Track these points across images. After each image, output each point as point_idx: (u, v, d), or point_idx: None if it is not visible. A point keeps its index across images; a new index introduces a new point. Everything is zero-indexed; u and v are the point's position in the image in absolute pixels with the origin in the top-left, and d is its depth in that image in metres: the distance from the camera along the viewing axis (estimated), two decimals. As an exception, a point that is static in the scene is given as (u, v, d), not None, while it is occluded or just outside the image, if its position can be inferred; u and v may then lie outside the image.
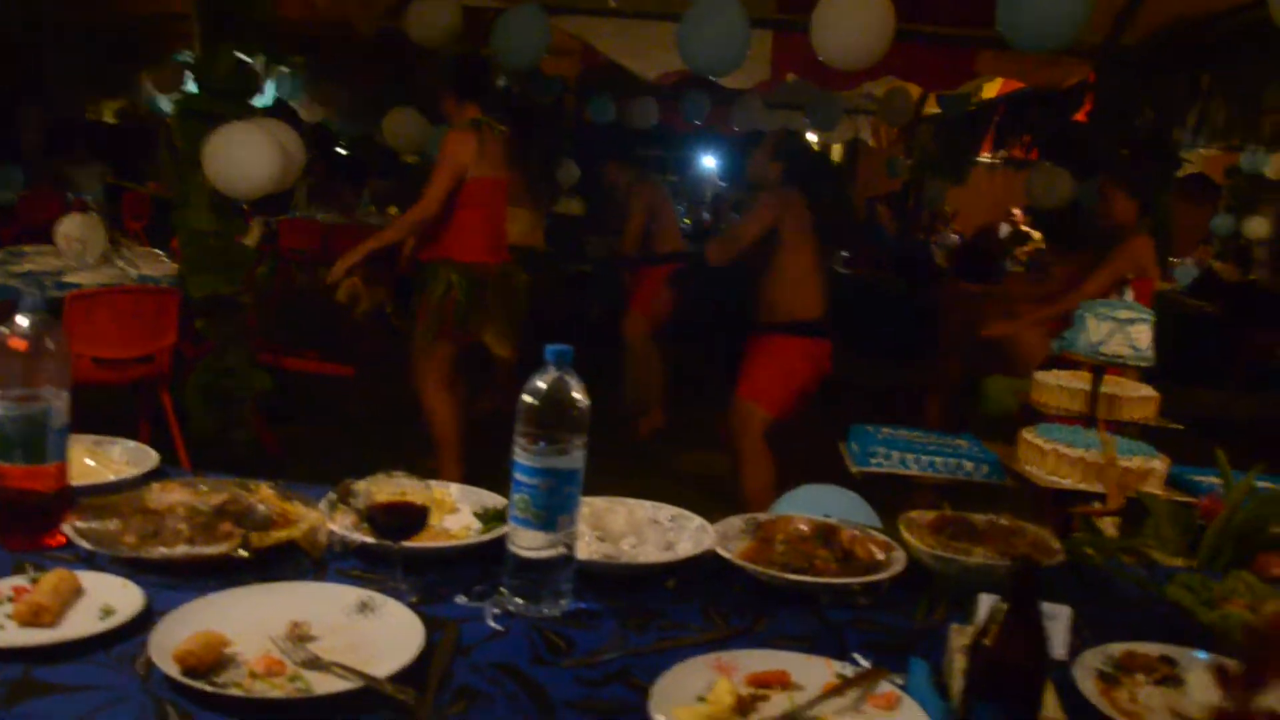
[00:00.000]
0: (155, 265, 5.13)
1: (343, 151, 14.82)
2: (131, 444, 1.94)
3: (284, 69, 8.93)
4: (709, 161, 13.29)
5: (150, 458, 1.89)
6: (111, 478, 1.79)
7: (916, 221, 9.54)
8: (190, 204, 4.32)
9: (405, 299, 5.36)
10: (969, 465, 2.71)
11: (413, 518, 1.49)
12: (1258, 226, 10.98)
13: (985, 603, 1.35)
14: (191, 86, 7.25)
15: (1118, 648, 1.39)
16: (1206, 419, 6.53)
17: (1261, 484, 2.82)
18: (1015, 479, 2.65)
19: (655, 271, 6.23)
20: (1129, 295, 2.67)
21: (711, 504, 1.97)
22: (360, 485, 1.68)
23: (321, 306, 7.69)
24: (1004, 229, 10.69)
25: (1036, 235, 9.63)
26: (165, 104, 8.65)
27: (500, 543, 1.53)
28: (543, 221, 6.40)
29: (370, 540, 1.55)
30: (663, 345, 6.21)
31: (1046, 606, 1.26)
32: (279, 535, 1.55)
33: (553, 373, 1.41)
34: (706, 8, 4.48)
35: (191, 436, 4.32)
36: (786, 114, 9.03)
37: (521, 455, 1.41)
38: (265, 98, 8.53)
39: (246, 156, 4.01)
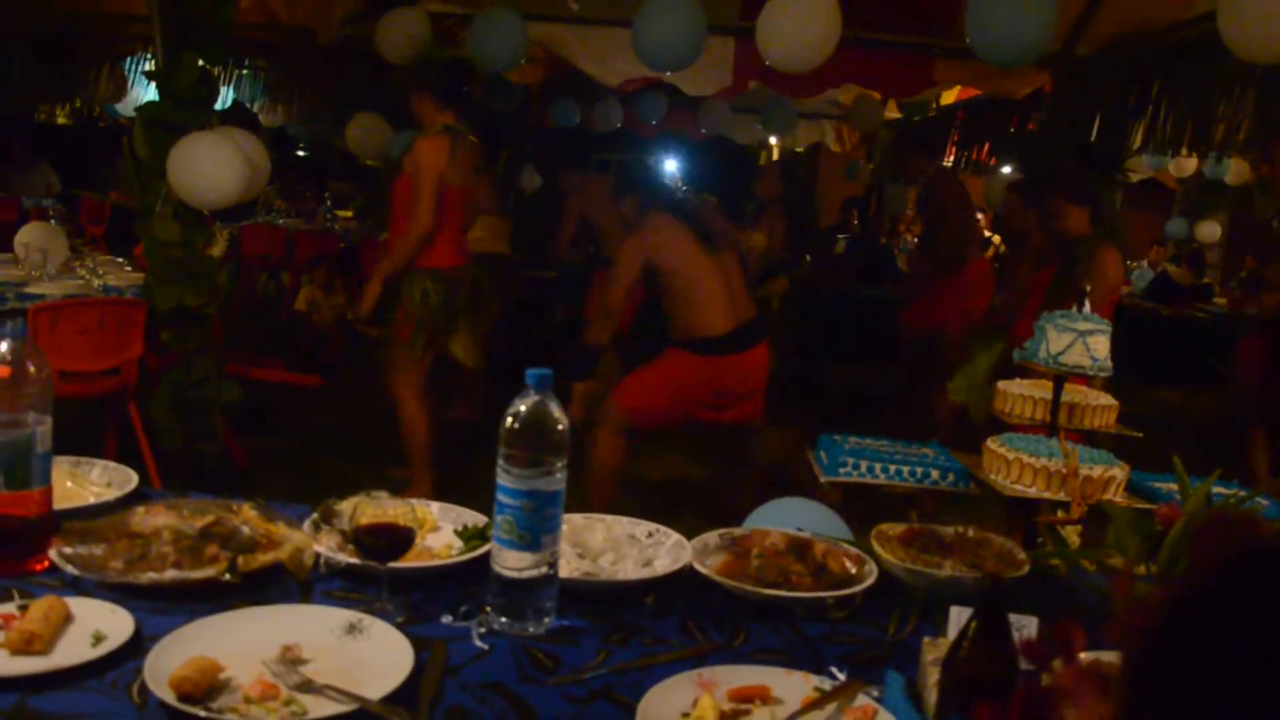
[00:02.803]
0: (118, 274, 5.10)
1: (302, 154, 14.76)
2: (111, 465, 1.95)
3: (243, 70, 8.88)
4: (670, 165, 13.35)
5: (130, 479, 1.90)
6: (92, 500, 1.80)
7: (878, 226, 9.67)
8: (155, 214, 4.29)
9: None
10: (935, 474, 2.77)
11: (399, 539, 1.51)
12: (1209, 231, 11.23)
13: (956, 615, 1.40)
14: (148, 93, 7.21)
15: (1082, 658, 1.44)
16: (1166, 419, 6.66)
17: (1217, 490, 2.91)
18: (981, 487, 2.71)
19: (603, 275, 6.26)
20: (1088, 306, 2.75)
21: (679, 510, 2.01)
22: (343, 506, 1.71)
23: (285, 314, 7.68)
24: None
25: (997, 240, 9.77)
26: (120, 106, 8.57)
27: (483, 560, 1.56)
28: (508, 228, 6.42)
29: (356, 561, 1.57)
30: (622, 351, 6.23)
31: (1014, 618, 1.31)
32: (265, 558, 1.57)
33: (533, 396, 1.44)
34: (661, 3, 4.52)
35: (159, 449, 4.29)
36: (747, 118, 9.11)
37: (504, 478, 1.45)
38: (223, 100, 8.49)
39: (212, 168, 3.99)
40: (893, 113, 9.20)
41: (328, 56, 7.49)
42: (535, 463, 1.43)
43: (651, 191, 4.23)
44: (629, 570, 1.66)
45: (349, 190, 10.90)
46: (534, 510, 1.44)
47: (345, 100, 7.72)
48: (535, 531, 1.44)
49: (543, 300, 7.32)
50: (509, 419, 1.44)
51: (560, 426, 1.44)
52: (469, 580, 1.62)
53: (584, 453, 4.10)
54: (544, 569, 1.46)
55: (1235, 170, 9.51)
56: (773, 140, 11.45)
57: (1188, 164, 9.53)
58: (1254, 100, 4.61)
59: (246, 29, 6.16)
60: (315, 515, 1.73)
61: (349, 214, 10.32)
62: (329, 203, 10.24)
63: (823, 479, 2.78)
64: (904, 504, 3.42)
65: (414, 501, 1.84)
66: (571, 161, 10.67)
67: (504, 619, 1.47)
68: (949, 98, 8.15)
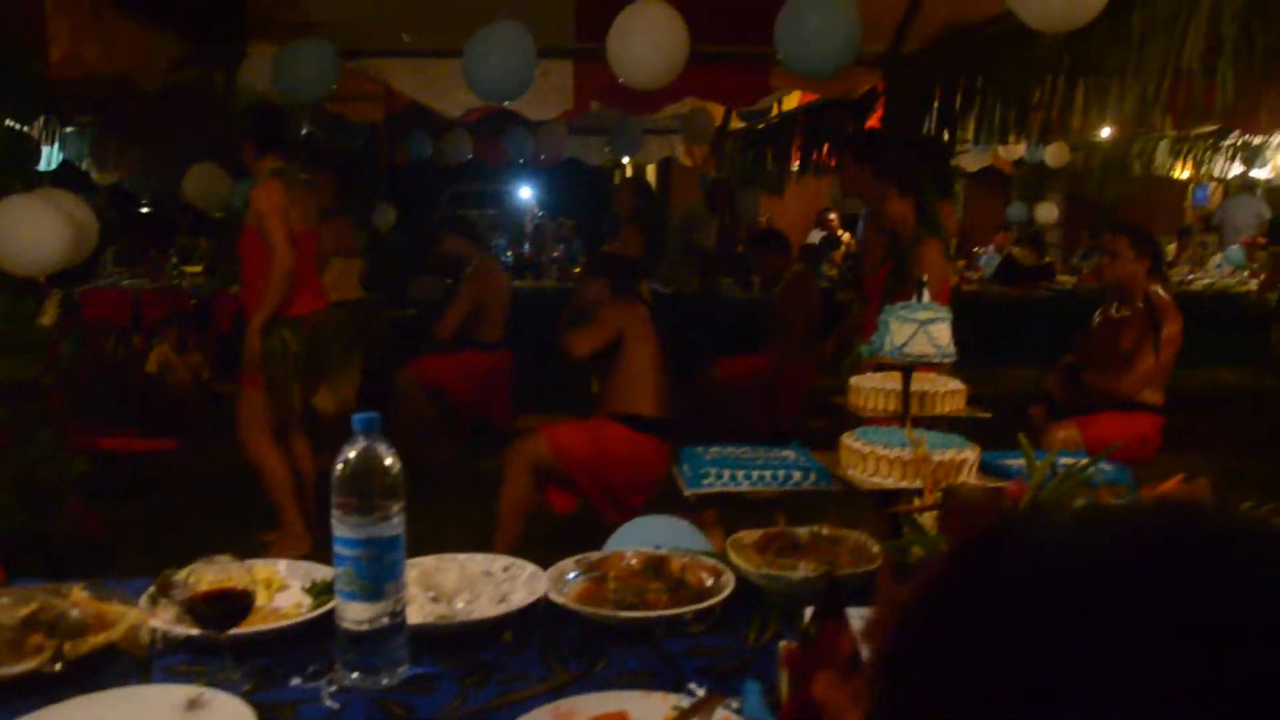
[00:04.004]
0: (-57, 354, 4.80)
1: (145, 209, 14.20)
2: (-76, 560, 1.82)
3: (68, 129, 8.52)
4: (525, 193, 13.32)
5: (-54, 573, 1.77)
6: (-96, 600, 1.68)
7: (733, 235, 9.81)
8: (-25, 286, 4.07)
9: (227, 363, 5.18)
10: (798, 475, 2.80)
11: (236, 604, 1.45)
12: (1046, 212, 11.75)
13: (810, 616, 1.40)
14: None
15: None
16: (1022, 397, 6.89)
17: (1064, 460, 3.00)
18: (842, 484, 2.75)
19: (470, 355, 6.18)
20: (926, 295, 2.82)
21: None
22: (181, 575, 1.63)
23: (137, 378, 7.37)
24: (817, 235, 11.10)
25: (846, 237, 10.02)
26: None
27: (332, 615, 1.51)
28: (360, 269, 6.28)
29: (195, 632, 1.50)
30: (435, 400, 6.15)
31: (861, 611, 1.32)
32: (96, 640, 1.48)
33: (362, 442, 1.40)
34: (490, 34, 4.52)
35: (5, 533, 4.05)
36: (593, 140, 9.17)
37: (340, 528, 1.40)
38: (49, 160, 8.12)
39: (31, 233, 3.79)
40: (739, 122, 9.36)
41: (159, 107, 7.24)
42: (370, 509, 1.39)
43: (625, 280, 4.51)
44: (484, 608, 1.62)
45: (194, 244, 10.52)
46: (373, 558, 1.39)
47: (184, 151, 7.48)
48: (377, 580, 1.40)
49: (407, 343, 7.18)
50: (339, 466, 1.40)
51: (392, 470, 1.40)
52: (321, 638, 1.55)
53: (496, 494, 4.22)
54: (389, 618, 1.42)
55: (1054, 153, 9.97)
56: (625, 159, 11.55)
57: (1017, 150, 9.94)
58: (1064, 87, 4.84)
59: (63, 84, 5.90)
60: (152, 588, 1.65)
61: (198, 269, 9.98)
62: (175, 260, 9.89)
63: (686, 492, 2.79)
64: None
65: (259, 561, 1.78)
66: (426, 196, 10.54)
67: (355, 674, 1.42)
68: (791, 102, 8.34)
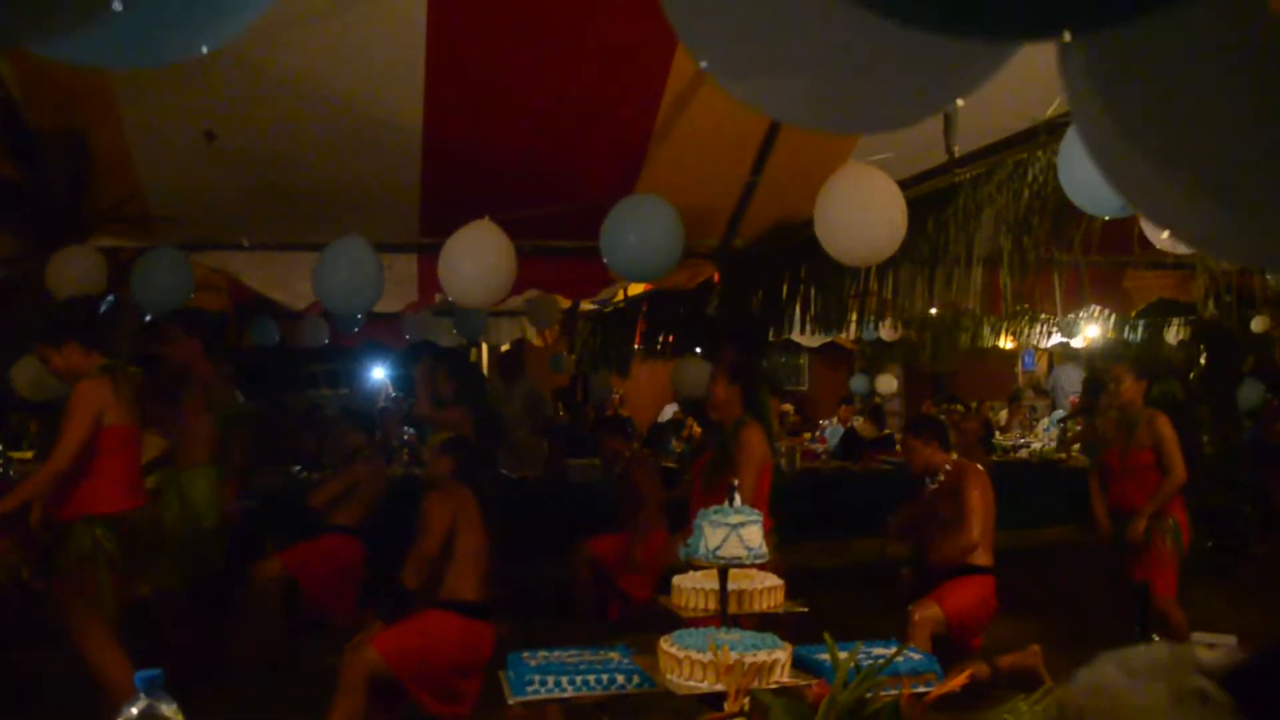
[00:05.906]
0: None
1: (-24, 391, 13.56)
2: None
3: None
4: (379, 373, 13.33)
5: None
6: None
7: (584, 414, 9.99)
8: None
9: (45, 558, 4.99)
10: (621, 678, 2.84)
11: None
12: (886, 383, 12.35)
13: None
14: None
15: None
16: (867, 567, 7.05)
17: (875, 651, 3.13)
18: (664, 687, 2.79)
19: (326, 541, 6.12)
20: (738, 499, 2.96)
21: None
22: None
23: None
24: (669, 412, 11.39)
25: (691, 421, 10.30)
26: None
27: None
28: None
29: None
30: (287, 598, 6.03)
31: None
32: None
33: (143, 701, 1.41)
34: (340, 250, 4.67)
35: None
36: (445, 321, 9.35)
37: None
38: None
39: None
40: (588, 305, 9.66)
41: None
42: (150, 770, 1.39)
43: (466, 470, 4.63)
44: None
45: (24, 426, 10.07)
46: (151, 821, 1.38)
47: (16, 337, 7.29)
48: (155, 843, 1.39)
49: (249, 532, 6.97)
50: (120, 725, 1.40)
51: (175, 726, 1.41)
52: None
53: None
54: None
55: (888, 330, 10.56)
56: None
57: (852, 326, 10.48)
58: (875, 278, 5.27)
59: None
60: None
61: (28, 455, 9.53)
62: (1, 446, 9.44)
63: (511, 700, 2.79)
64: None
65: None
66: (277, 381, 10.46)
67: None
68: (636, 288, 8.68)
